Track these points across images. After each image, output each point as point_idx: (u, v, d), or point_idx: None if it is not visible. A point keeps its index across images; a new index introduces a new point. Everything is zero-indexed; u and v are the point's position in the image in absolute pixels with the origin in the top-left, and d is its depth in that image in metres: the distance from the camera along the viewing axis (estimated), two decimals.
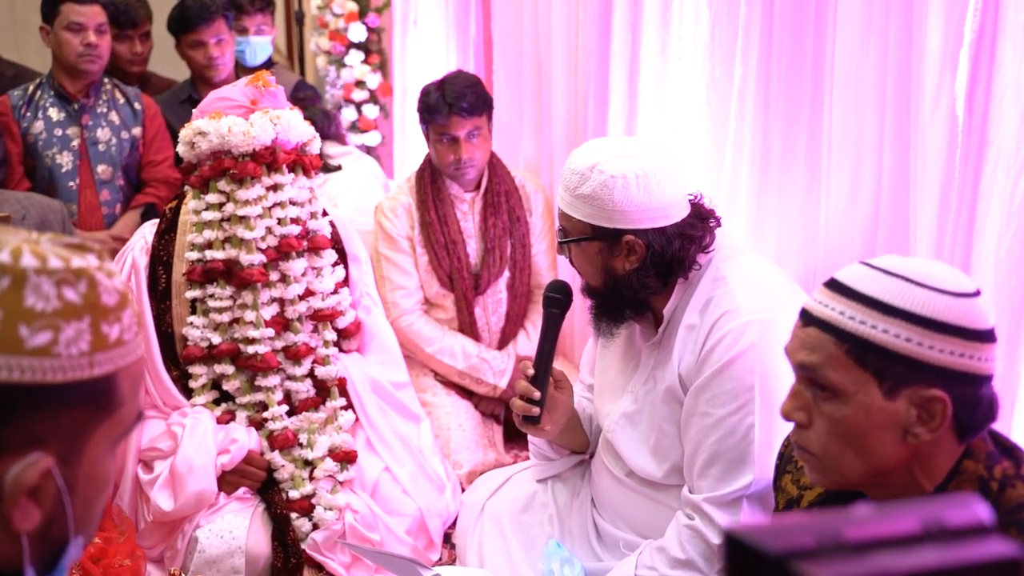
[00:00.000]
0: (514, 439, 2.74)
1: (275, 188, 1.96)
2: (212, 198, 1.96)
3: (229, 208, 1.94)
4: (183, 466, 1.91)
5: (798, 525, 0.46)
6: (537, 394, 1.66)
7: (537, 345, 1.71)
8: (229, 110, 1.95)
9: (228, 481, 1.97)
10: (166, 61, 3.66)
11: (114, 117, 3.02)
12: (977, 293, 1.05)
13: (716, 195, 2.18)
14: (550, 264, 2.84)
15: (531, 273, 2.81)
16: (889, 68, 1.84)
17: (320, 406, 2.05)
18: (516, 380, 1.76)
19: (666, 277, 1.61)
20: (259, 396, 2.01)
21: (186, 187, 2.07)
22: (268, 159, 1.93)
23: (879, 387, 1.03)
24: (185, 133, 1.98)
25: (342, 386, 2.08)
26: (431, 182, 2.71)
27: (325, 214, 2.09)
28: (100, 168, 2.99)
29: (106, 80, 3.07)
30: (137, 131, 3.06)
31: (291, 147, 1.97)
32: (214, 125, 1.92)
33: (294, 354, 2.00)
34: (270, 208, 1.96)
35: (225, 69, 3.18)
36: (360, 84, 3.91)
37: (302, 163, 2.00)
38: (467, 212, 2.74)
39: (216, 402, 2.04)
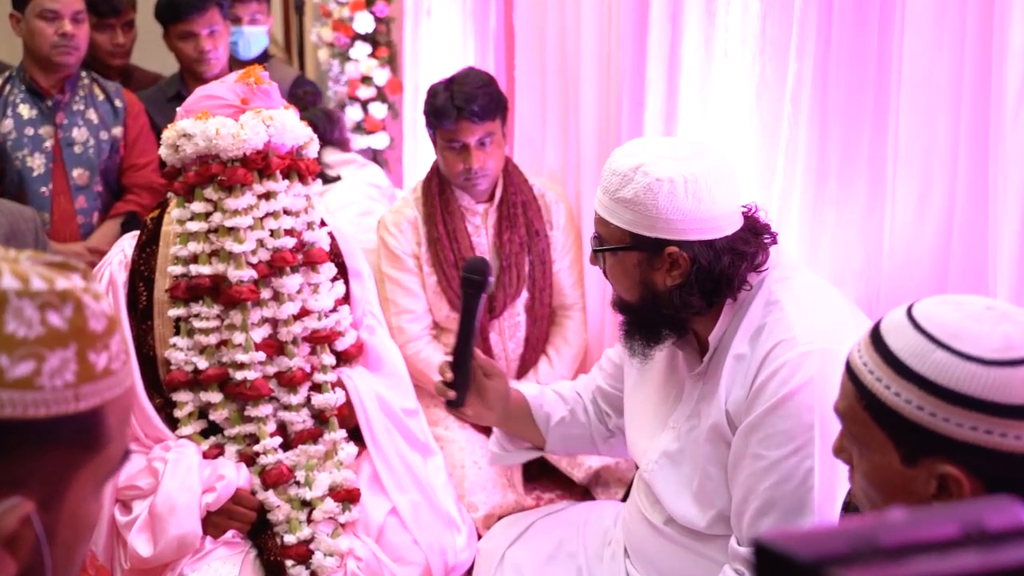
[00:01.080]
0: (535, 479, 2.73)
1: (267, 196, 1.98)
2: (198, 207, 1.98)
3: (216, 218, 1.97)
4: (164, 506, 1.91)
5: (832, 532, 0.51)
6: (450, 375, 1.89)
7: (457, 328, 1.88)
8: (217, 110, 1.98)
9: (214, 523, 1.96)
10: (151, 54, 3.76)
11: (92, 115, 3.08)
12: None
13: (766, 208, 2.22)
14: (575, 281, 2.84)
15: (553, 293, 2.82)
16: (966, 65, 1.83)
17: (318, 438, 2.07)
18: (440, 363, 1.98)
19: (711, 296, 1.62)
20: (250, 427, 2.02)
21: (169, 194, 2.11)
22: (260, 165, 1.96)
23: (896, 451, 1.06)
24: (168, 135, 2.00)
25: (342, 416, 2.10)
26: (439, 193, 2.72)
27: (323, 224, 2.11)
28: (76, 172, 3.03)
29: (83, 74, 3.10)
30: (118, 131, 3.11)
31: (285, 151, 2.00)
32: (200, 127, 1.94)
33: (288, 380, 2.01)
34: (262, 218, 1.98)
35: (218, 63, 3.24)
36: (366, 80, 3.95)
37: (297, 169, 2.02)
38: (479, 226, 2.76)
39: (204, 434, 2.05)
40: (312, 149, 2.10)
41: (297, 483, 2.03)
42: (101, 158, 3.09)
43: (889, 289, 2.04)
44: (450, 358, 1.91)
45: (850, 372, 1.10)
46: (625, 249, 1.63)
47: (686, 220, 1.58)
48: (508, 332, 2.81)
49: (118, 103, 3.14)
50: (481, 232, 2.77)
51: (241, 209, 1.98)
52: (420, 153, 3.67)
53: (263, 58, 3.76)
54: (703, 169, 1.59)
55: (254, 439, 2.04)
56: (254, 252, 2.00)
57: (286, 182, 2.03)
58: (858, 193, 2.07)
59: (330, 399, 2.07)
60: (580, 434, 2.03)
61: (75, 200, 3.06)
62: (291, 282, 2.03)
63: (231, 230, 1.99)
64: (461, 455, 2.61)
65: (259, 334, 2.02)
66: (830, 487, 1.53)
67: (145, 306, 2.06)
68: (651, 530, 1.78)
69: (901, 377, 1.04)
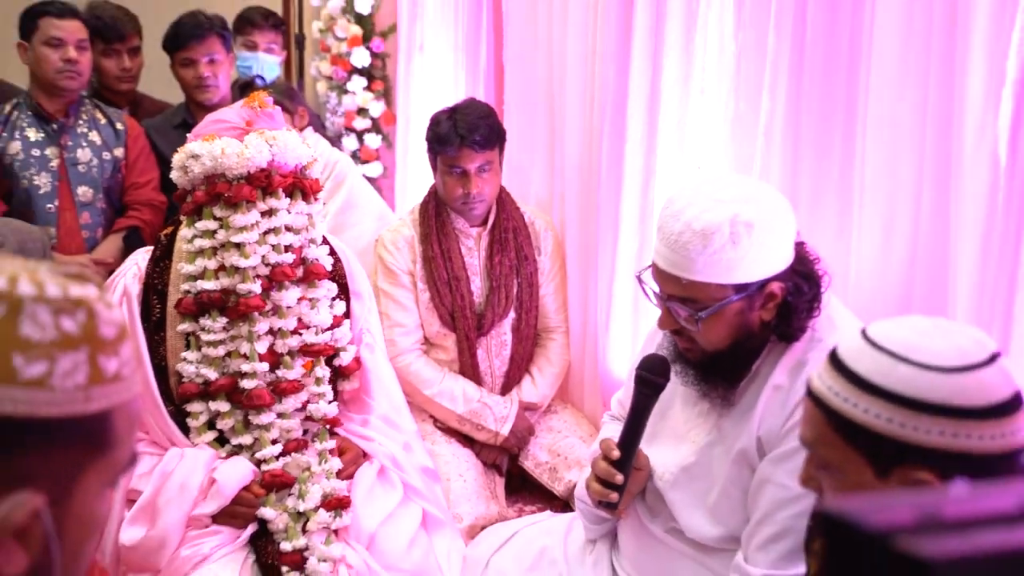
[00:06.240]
0: (517, 491, 2.73)
1: (270, 213, 1.99)
2: (205, 225, 1.98)
3: (222, 235, 1.97)
4: (161, 502, 1.91)
5: (894, 501, 0.49)
6: (620, 478, 1.66)
7: (624, 426, 1.69)
8: (223, 132, 2.00)
9: (222, 517, 1.96)
10: (162, 83, 3.73)
11: (95, 137, 3.06)
12: (985, 363, 1.05)
13: None
14: (559, 307, 2.86)
15: (538, 315, 2.84)
16: (929, 104, 1.86)
17: (306, 447, 2.05)
18: (596, 459, 1.72)
19: (797, 319, 1.58)
20: (251, 436, 2.01)
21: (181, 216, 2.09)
22: (264, 183, 1.97)
23: (870, 466, 1.07)
24: (178, 158, 2.02)
25: (334, 426, 2.10)
26: (435, 215, 2.75)
27: (325, 242, 2.12)
28: (80, 190, 3.02)
29: (86, 99, 3.12)
30: (119, 152, 3.10)
31: (288, 170, 2.01)
32: (207, 147, 1.96)
33: (281, 391, 2.01)
34: (265, 234, 1.98)
35: (217, 92, 3.22)
36: (362, 112, 3.93)
37: (301, 187, 2.03)
38: (473, 248, 2.77)
39: (219, 442, 2.03)
40: (315, 170, 2.08)
41: (291, 495, 1.98)
42: (104, 177, 3.10)
43: (855, 313, 2.04)
44: (616, 454, 1.67)
45: (815, 399, 1.12)
46: (728, 303, 1.55)
47: (777, 252, 1.55)
48: (495, 350, 2.81)
49: (119, 126, 3.15)
50: (474, 254, 2.79)
51: (247, 226, 1.95)
52: (411, 180, 3.68)
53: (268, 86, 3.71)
54: (772, 198, 1.58)
55: (259, 446, 2.00)
56: (255, 268, 1.97)
57: (288, 200, 2.01)
58: (827, 223, 2.10)
59: (322, 409, 2.03)
60: None
61: (80, 216, 3.06)
62: (289, 295, 2.03)
63: (237, 246, 1.97)
64: (447, 468, 2.61)
65: (262, 345, 1.99)
66: None
67: (158, 318, 2.04)
68: (649, 539, 1.77)
69: (869, 394, 1.06)
